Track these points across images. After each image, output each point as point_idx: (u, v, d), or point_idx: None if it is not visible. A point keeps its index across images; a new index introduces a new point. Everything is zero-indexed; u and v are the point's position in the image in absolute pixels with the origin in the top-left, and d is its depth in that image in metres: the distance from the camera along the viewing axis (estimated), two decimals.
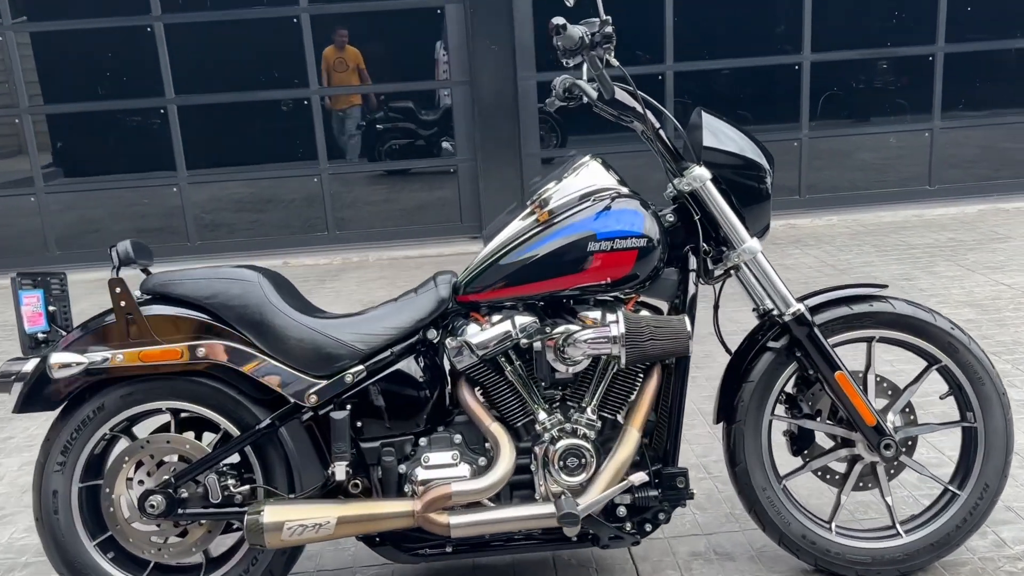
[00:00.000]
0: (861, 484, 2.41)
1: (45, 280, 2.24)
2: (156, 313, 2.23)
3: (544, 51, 6.60)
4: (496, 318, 2.23)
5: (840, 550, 2.37)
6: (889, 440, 2.28)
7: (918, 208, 6.77)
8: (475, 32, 6.36)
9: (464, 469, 2.22)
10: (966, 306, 4.59)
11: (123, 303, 2.18)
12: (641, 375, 2.25)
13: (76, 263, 6.20)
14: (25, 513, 3.06)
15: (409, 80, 6.94)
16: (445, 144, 6.99)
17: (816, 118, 6.90)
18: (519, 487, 2.26)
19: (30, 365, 2.18)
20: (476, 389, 2.29)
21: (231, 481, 2.27)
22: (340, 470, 2.15)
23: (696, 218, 2.27)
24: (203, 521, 2.25)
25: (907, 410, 2.40)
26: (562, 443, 2.19)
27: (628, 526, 2.27)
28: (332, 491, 2.23)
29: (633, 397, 2.26)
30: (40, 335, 2.22)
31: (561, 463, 2.19)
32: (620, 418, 2.29)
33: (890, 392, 2.41)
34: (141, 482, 2.25)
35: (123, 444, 2.31)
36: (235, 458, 2.29)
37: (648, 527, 2.29)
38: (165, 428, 2.33)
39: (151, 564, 2.32)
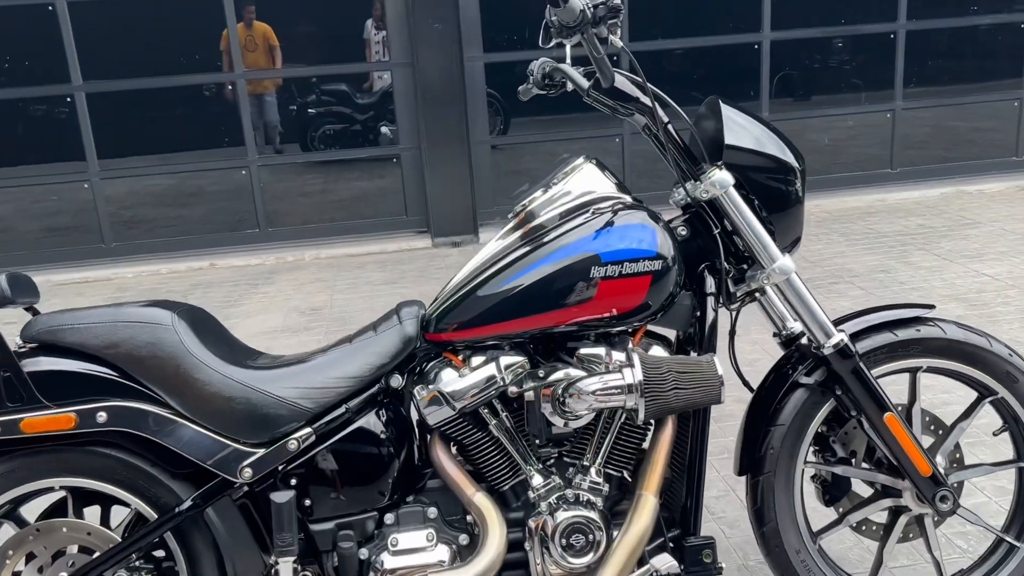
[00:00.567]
0: (902, 535, 2.06)
1: None
2: (42, 369, 1.75)
3: (492, 29, 6.14)
4: (477, 361, 1.80)
5: None
6: (946, 492, 1.93)
7: (880, 192, 6.54)
8: (415, 8, 5.86)
9: (442, 552, 1.79)
10: (952, 300, 4.32)
11: None
12: (652, 422, 1.86)
13: None
14: None
15: (341, 62, 6.40)
16: (384, 129, 6.49)
17: (775, 98, 6.59)
18: (510, 567, 1.84)
19: None
20: (452, 447, 1.86)
21: None
22: (285, 568, 1.70)
23: (715, 232, 1.86)
24: None
25: (953, 448, 2.05)
26: (563, 516, 1.78)
27: None
28: None
29: (645, 449, 1.86)
30: None
31: (564, 541, 1.77)
32: (627, 474, 1.90)
33: (936, 429, 2.07)
34: None
35: (8, 531, 1.83)
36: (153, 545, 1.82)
37: None
38: (60, 510, 1.85)
39: None
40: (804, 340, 1.99)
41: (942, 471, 1.95)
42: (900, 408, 1.97)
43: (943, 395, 2.74)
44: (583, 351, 1.81)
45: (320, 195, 6.43)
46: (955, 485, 2.00)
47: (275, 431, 1.75)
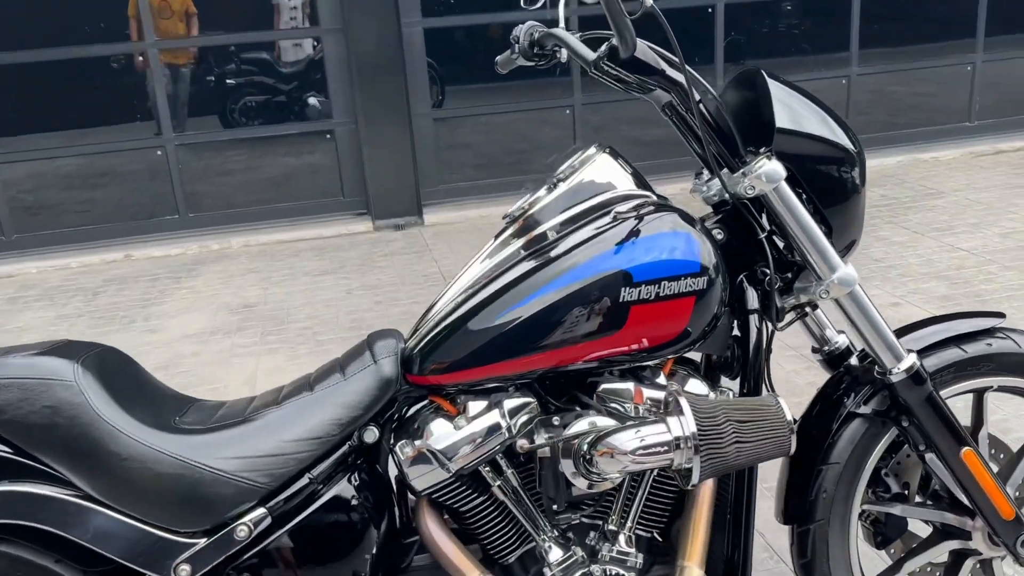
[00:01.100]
0: None
1: None
2: None
3: None
4: (475, 407, 1.43)
5: None
6: None
7: None
8: None
9: None
10: (932, 279, 4.10)
11: None
12: None
13: None
14: None
15: (264, 28, 5.83)
16: (313, 100, 5.98)
17: (728, 62, 6.29)
18: None
19: None
20: (444, 516, 1.49)
21: None
22: None
23: (762, 236, 1.52)
24: None
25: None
26: None
27: None
28: None
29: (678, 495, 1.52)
30: None
31: None
32: (657, 533, 1.55)
33: (996, 454, 1.78)
34: None
35: None
36: None
37: None
38: None
39: None
40: (854, 360, 1.67)
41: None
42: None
43: (1000, 414, 2.47)
44: (606, 387, 1.45)
45: (246, 175, 5.89)
46: None
47: (219, 515, 1.34)
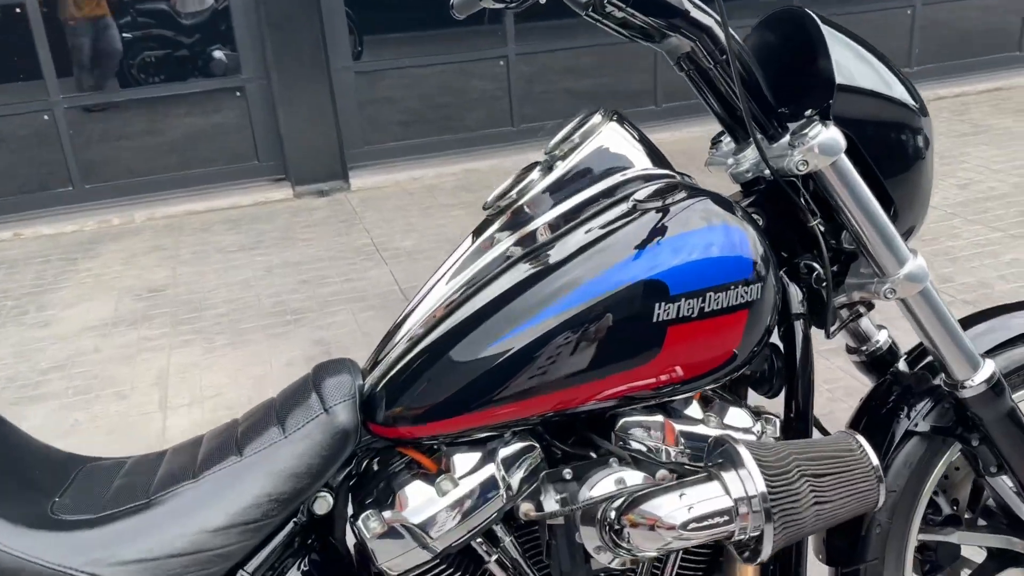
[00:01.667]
0: None
1: None
2: None
3: None
4: (462, 462, 1.10)
5: None
6: None
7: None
8: None
9: None
10: None
11: None
12: None
13: None
14: None
15: None
16: (219, 54, 5.46)
17: None
18: None
19: None
20: None
21: None
22: None
23: (814, 223, 1.20)
24: None
25: None
26: None
27: None
28: None
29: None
30: None
31: None
32: None
33: None
34: None
35: None
36: None
37: None
38: None
39: None
40: (902, 364, 1.39)
41: None
42: None
43: None
44: (627, 422, 1.12)
45: (148, 140, 5.33)
46: None
47: None
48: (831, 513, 1.03)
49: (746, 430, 1.17)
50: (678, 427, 1.13)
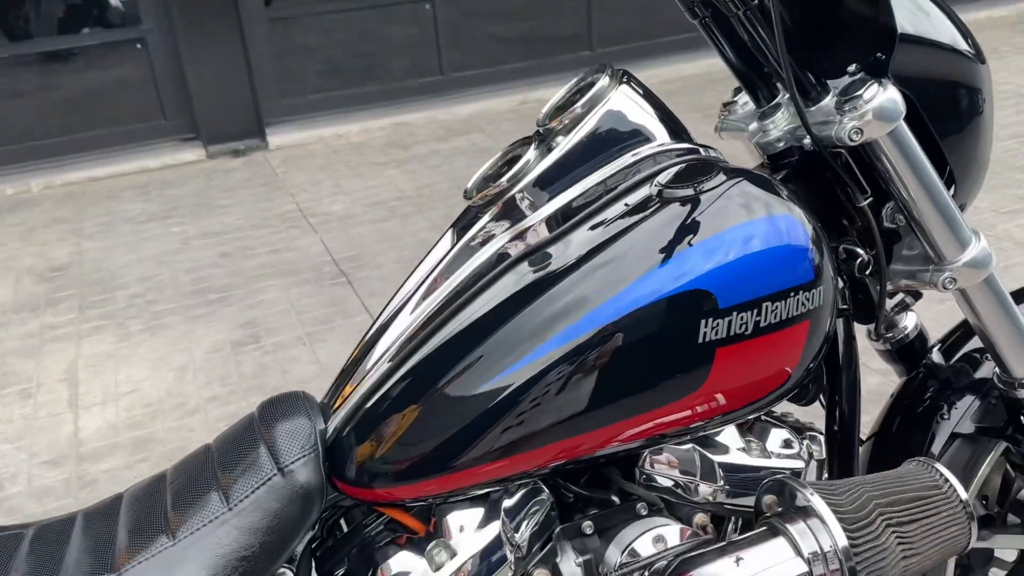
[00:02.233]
0: None
1: None
2: None
3: None
4: (457, 522, 0.89)
5: None
6: None
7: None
8: None
9: None
10: None
11: None
12: None
13: None
14: None
15: None
16: (115, 1, 5.03)
17: None
18: None
19: None
20: None
21: None
22: None
23: (863, 202, 0.99)
24: None
25: None
26: None
27: None
28: None
29: None
30: None
31: None
32: None
33: None
34: None
35: None
36: None
37: None
38: None
39: None
40: (936, 356, 1.24)
41: None
42: None
43: None
44: (654, 455, 0.92)
45: (41, 98, 4.89)
46: None
47: None
48: (919, 567, 0.84)
49: (793, 456, 0.98)
50: (715, 458, 0.94)
